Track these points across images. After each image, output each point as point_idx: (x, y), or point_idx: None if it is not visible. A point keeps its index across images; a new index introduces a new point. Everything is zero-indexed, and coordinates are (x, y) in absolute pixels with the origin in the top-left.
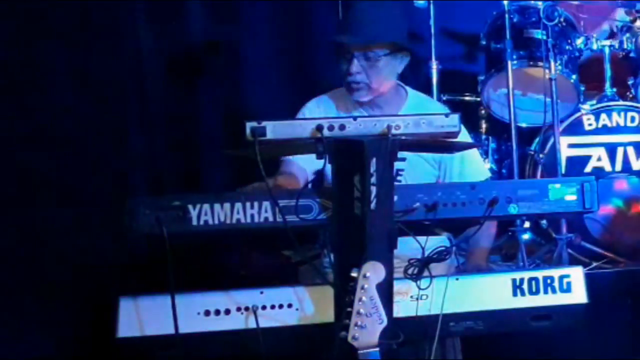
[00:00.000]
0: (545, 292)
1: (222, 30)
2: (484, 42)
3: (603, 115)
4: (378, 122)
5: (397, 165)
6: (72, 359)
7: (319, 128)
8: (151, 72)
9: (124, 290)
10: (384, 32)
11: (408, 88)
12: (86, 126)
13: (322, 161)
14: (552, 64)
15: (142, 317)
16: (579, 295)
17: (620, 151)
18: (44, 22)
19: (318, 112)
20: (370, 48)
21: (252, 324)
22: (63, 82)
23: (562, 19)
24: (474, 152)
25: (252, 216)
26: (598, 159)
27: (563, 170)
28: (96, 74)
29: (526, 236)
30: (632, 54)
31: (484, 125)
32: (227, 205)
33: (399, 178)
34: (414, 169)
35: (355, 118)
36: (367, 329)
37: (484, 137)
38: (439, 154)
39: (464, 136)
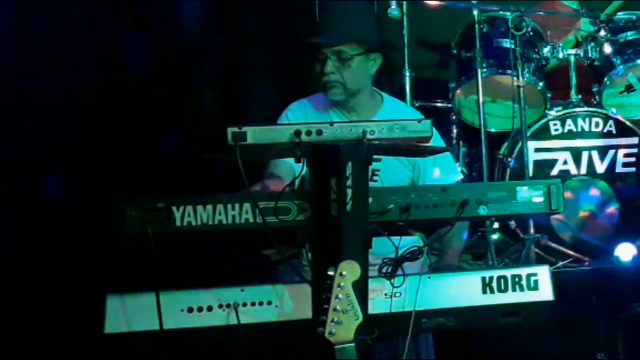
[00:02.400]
0: (514, 290)
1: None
2: (455, 51)
3: (569, 121)
4: (354, 127)
5: (374, 165)
6: (63, 354)
7: (297, 133)
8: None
9: (111, 288)
10: (355, 32)
11: (384, 94)
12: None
13: None
14: (520, 72)
15: (128, 313)
16: (545, 292)
17: (585, 155)
18: None
19: (299, 115)
20: (342, 48)
21: (233, 321)
22: None
23: (529, 29)
24: (447, 154)
25: (233, 217)
26: (564, 162)
27: (530, 174)
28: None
29: (495, 236)
30: (596, 62)
31: (454, 131)
32: (209, 207)
33: (375, 178)
34: (390, 169)
35: (332, 124)
36: (344, 325)
37: (454, 141)
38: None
39: (437, 140)
